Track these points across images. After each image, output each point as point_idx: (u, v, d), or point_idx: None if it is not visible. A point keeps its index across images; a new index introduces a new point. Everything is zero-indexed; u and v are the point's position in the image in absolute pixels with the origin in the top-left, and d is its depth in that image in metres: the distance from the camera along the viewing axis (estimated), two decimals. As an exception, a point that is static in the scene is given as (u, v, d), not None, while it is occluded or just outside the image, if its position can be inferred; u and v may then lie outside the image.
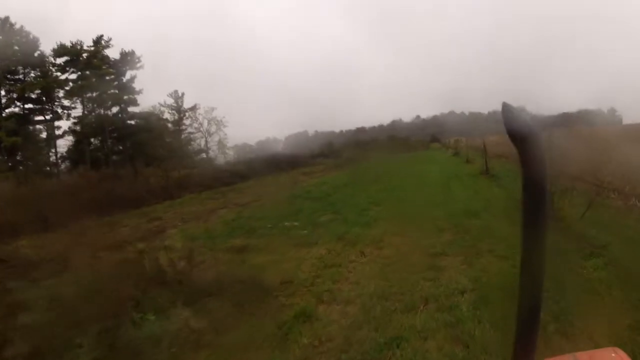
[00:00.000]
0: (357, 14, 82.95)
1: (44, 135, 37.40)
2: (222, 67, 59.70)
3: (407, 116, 67.46)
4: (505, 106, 1.21)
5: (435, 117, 66.17)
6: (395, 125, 65.07)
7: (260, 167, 39.38)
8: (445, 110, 66.52)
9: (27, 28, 35.56)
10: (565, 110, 45.42)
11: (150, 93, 45.33)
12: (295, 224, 15.09)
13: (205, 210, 21.80)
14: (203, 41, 61.07)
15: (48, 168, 37.84)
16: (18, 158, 36.10)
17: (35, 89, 35.71)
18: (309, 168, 42.87)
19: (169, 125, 48.07)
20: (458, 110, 67.40)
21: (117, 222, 20.97)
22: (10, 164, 35.38)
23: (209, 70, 56.73)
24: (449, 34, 77.03)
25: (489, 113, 63.82)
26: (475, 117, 65.28)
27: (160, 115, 47.17)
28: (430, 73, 63.49)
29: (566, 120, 39.32)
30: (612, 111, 56.15)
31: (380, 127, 66.03)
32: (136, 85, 42.37)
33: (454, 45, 77.27)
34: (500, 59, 61.76)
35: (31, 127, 36.18)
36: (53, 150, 38.13)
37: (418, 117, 66.06)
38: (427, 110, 70.04)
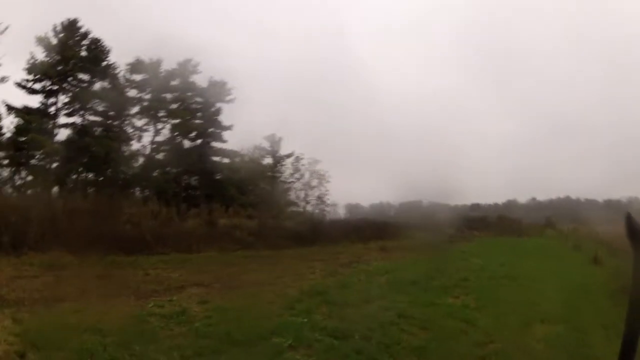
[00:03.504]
0: (482, 82, 74.96)
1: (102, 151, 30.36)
2: (333, 121, 52.06)
3: (522, 197, 60.40)
4: (628, 217, 1.56)
5: (551, 201, 59.03)
6: (510, 205, 58.74)
7: (331, 231, 31.07)
8: (562, 195, 58.92)
9: (98, 34, 29.82)
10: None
11: (241, 132, 37.71)
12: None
13: (179, 283, 13.23)
14: (314, 91, 54.36)
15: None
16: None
17: (91, 99, 29.27)
18: (396, 241, 33.81)
19: (267, 171, 41.05)
20: (574, 196, 60.14)
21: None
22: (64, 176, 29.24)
23: (317, 121, 49.68)
24: (574, 116, 67.45)
25: (604, 201, 57.89)
26: (591, 205, 59.42)
27: (258, 159, 40.14)
28: (549, 153, 53.74)
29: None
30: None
31: (495, 205, 60.32)
32: (224, 120, 35.49)
33: (576, 128, 67.28)
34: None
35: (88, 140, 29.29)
36: (110, 170, 31.35)
37: (534, 199, 60.10)
38: (543, 192, 61.76)
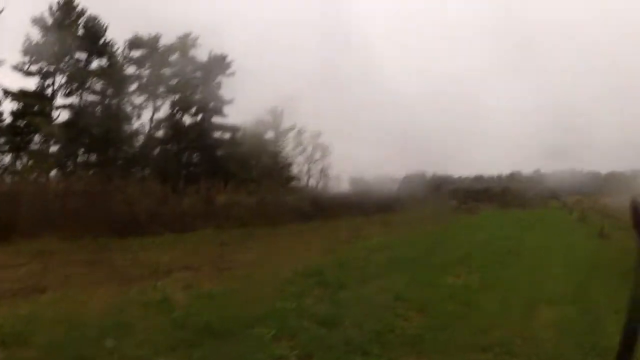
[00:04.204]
0: (487, 51, 73.63)
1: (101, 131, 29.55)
2: (336, 93, 50.71)
3: (526, 169, 63.49)
4: (634, 205, 1.50)
5: (554, 173, 60.21)
6: (513, 177, 62.05)
7: (333, 205, 30.56)
8: (565, 167, 61.99)
9: (95, 12, 29.03)
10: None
11: (242, 106, 36.68)
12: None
13: (168, 266, 12.42)
14: (317, 61, 52.93)
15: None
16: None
17: (88, 78, 28.61)
18: (399, 215, 33.36)
19: (269, 145, 39.95)
20: (578, 168, 63.48)
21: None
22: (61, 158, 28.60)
23: (318, 92, 48.38)
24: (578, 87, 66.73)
25: (607, 173, 62.12)
26: (593, 177, 62.78)
27: (259, 133, 39.16)
28: (554, 127, 53.02)
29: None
30: None
31: (499, 177, 63.33)
32: (225, 94, 34.70)
33: (580, 99, 66.75)
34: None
35: (87, 121, 28.61)
36: (111, 150, 30.74)
37: (538, 170, 61.07)
38: (547, 165, 61.56)
